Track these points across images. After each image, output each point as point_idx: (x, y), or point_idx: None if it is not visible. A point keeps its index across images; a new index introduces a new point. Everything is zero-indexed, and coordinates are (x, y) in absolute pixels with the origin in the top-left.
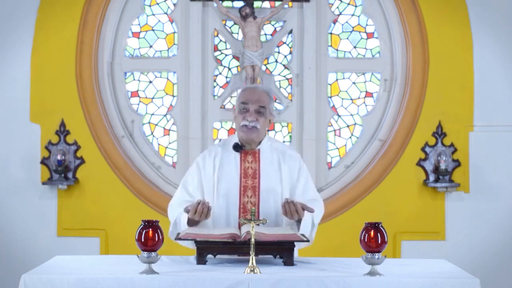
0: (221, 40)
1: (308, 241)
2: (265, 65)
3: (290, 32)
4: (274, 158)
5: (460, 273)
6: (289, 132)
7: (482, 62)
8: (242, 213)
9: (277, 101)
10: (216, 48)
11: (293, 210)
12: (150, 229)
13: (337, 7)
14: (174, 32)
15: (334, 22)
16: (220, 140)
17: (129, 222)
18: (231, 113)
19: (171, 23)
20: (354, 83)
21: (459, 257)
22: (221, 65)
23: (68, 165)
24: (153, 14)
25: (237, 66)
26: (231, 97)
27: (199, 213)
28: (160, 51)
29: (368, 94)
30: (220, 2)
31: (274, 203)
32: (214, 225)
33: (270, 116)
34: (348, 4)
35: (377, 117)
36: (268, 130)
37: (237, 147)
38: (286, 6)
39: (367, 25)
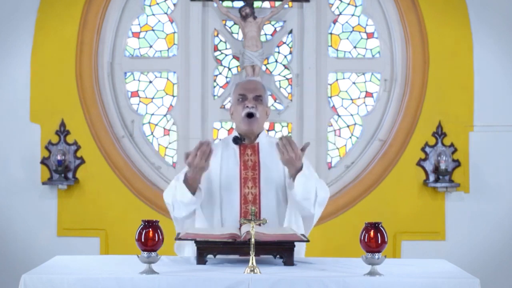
0: (221, 40)
1: (308, 241)
2: (265, 65)
3: (290, 32)
4: (273, 151)
5: (460, 273)
6: (289, 132)
7: (482, 62)
8: (243, 204)
9: (277, 101)
10: (216, 48)
11: (287, 144)
12: (150, 229)
13: (337, 7)
14: (174, 32)
15: (334, 22)
16: (220, 140)
17: (129, 222)
18: None
19: (171, 23)
20: (354, 83)
21: (459, 257)
22: (221, 65)
23: (68, 165)
24: (153, 14)
25: (237, 66)
26: (232, 90)
27: (200, 156)
28: (160, 51)
29: (368, 94)
30: (220, 2)
31: (275, 193)
32: (215, 218)
33: (266, 108)
34: (348, 4)
35: (377, 117)
36: (268, 130)
37: (236, 140)
38: (286, 6)
39: (367, 25)
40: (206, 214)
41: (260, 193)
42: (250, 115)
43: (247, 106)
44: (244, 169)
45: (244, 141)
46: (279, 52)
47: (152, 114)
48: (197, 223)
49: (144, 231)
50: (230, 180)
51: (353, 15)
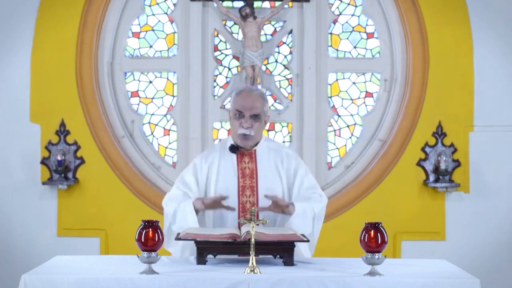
0: (221, 40)
1: (308, 241)
2: (265, 65)
3: (290, 32)
4: (271, 158)
5: (460, 273)
6: (289, 132)
7: (482, 62)
8: (241, 212)
9: (277, 101)
10: (216, 48)
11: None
12: (150, 229)
13: (337, 7)
14: (174, 32)
15: (334, 22)
16: (219, 140)
17: (129, 222)
18: None
19: (171, 23)
20: (354, 83)
21: (459, 257)
22: (221, 65)
23: (68, 165)
24: (153, 14)
25: (237, 66)
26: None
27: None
28: (160, 51)
29: (368, 94)
30: (220, 2)
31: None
32: (213, 226)
33: (265, 117)
34: (348, 4)
35: (377, 117)
36: (268, 130)
37: (233, 149)
38: (286, 6)
39: (367, 25)
40: (202, 220)
41: (258, 202)
42: (245, 134)
43: (243, 126)
44: (242, 177)
45: (241, 149)
46: (279, 52)
47: (152, 114)
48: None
49: (144, 231)
50: (228, 188)
51: (353, 15)
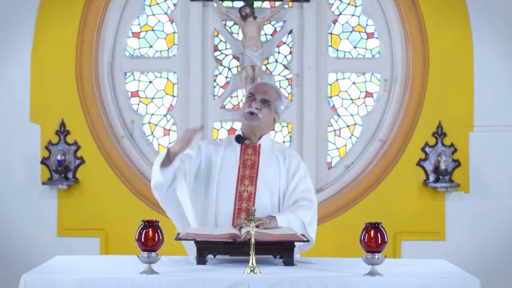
0: (221, 40)
1: (308, 241)
2: (265, 65)
3: (290, 32)
4: (273, 154)
5: (460, 273)
6: (289, 132)
7: (482, 62)
8: (238, 201)
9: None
10: (216, 48)
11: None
12: (150, 229)
13: (337, 7)
14: (174, 32)
15: (334, 22)
16: (227, 137)
17: (129, 222)
18: (231, 113)
19: (171, 23)
20: (354, 83)
21: (459, 257)
22: (221, 65)
23: (68, 165)
24: (153, 14)
25: (237, 66)
26: (231, 97)
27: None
28: (160, 51)
29: (368, 94)
30: (220, 2)
31: (270, 195)
32: (209, 213)
33: (275, 114)
34: (348, 4)
35: (377, 117)
36: (269, 130)
37: (239, 138)
38: (286, 6)
39: (367, 25)
40: (201, 208)
41: (255, 192)
42: (251, 113)
43: (252, 106)
44: (243, 167)
45: (246, 141)
46: (279, 52)
47: (152, 114)
48: (190, 219)
49: (144, 231)
50: (228, 176)
51: (353, 15)
